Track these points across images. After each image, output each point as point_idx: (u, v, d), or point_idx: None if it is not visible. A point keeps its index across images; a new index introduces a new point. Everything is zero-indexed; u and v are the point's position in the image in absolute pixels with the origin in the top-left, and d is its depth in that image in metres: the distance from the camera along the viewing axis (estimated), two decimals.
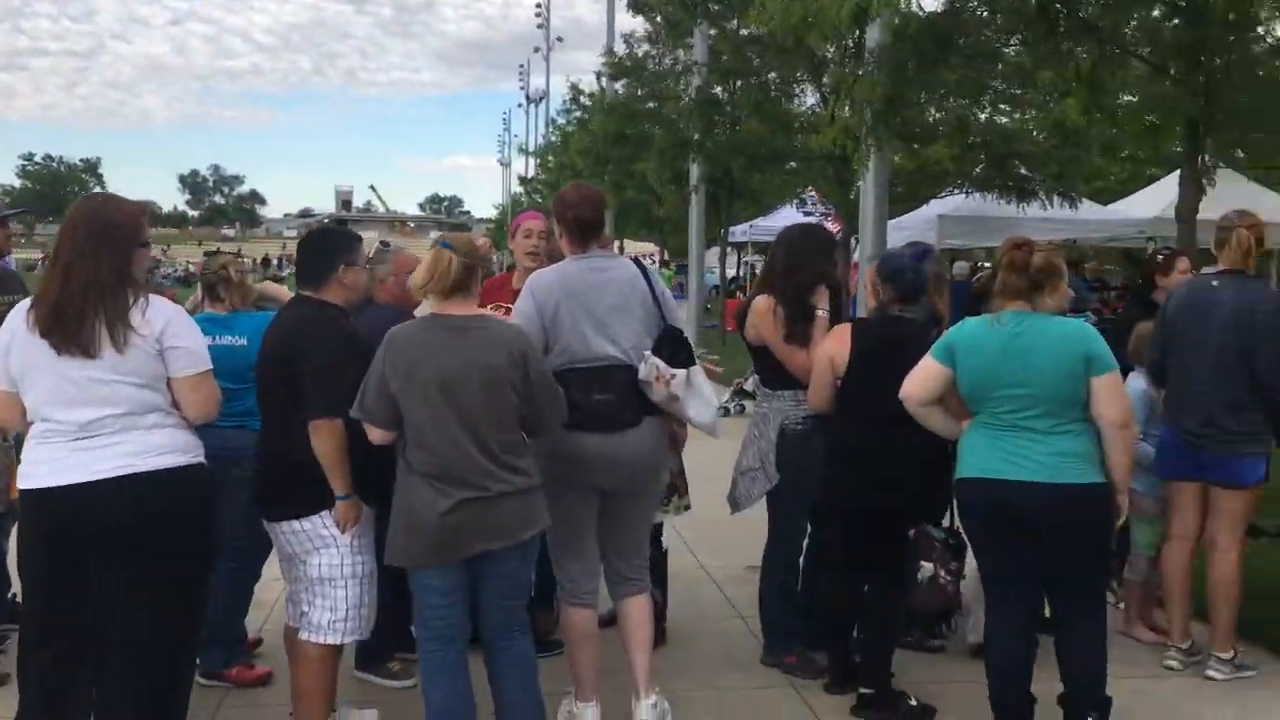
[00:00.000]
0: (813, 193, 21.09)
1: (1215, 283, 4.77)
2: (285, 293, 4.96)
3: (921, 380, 4.12)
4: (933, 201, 18.18)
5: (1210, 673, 4.84)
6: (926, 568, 4.16)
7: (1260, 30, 10.10)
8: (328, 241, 4.17)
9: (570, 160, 33.93)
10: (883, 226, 12.26)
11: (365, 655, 4.72)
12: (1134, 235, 17.29)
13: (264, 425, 4.01)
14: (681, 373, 4.15)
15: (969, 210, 16.99)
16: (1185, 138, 8.14)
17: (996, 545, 4.05)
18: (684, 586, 6.10)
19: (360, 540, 3.91)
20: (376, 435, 3.71)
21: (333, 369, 3.79)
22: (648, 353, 4.13)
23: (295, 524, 3.86)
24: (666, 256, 37.40)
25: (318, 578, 3.89)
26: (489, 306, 4.62)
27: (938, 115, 12.97)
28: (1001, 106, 15.59)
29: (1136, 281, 6.03)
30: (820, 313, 4.80)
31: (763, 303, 4.85)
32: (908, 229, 18.36)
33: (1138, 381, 5.31)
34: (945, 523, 4.53)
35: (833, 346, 4.47)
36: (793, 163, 19.08)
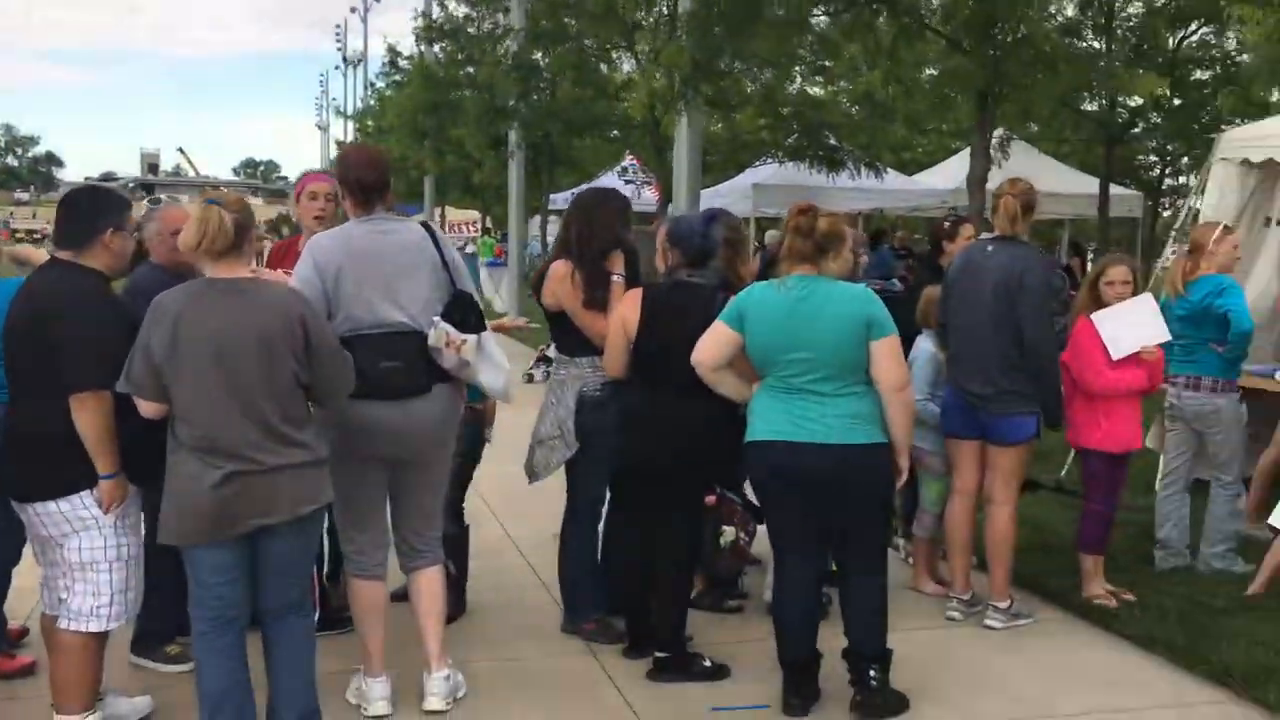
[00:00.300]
0: (634, 160, 21.16)
1: (989, 248, 4.96)
2: (40, 255, 4.62)
3: (712, 345, 4.14)
4: (748, 170, 18.49)
5: (989, 622, 5.07)
6: (728, 532, 4.20)
7: (1052, 9, 10.64)
8: (94, 203, 3.89)
9: (390, 124, 33.07)
10: (696, 193, 12.37)
11: (141, 639, 4.48)
12: (937, 205, 17.97)
13: (12, 399, 3.71)
14: (472, 338, 4.06)
15: (782, 179, 17.35)
16: (975, 109, 8.48)
17: (784, 506, 4.11)
18: (488, 556, 6.02)
19: (124, 521, 3.68)
20: (148, 409, 3.50)
21: (95, 337, 3.54)
22: (437, 318, 4.03)
23: (51, 505, 3.60)
24: (489, 224, 36.94)
25: (78, 562, 3.64)
26: (279, 271, 4.41)
27: (751, 85, 13.13)
28: (815, 78, 15.92)
29: (926, 248, 6.24)
30: (616, 278, 4.78)
31: (560, 268, 4.79)
32: (725, 197, 18.63)
33: (926, 344, 5.50)
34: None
35: (624, 311, 4.46)
36: (614, 131, 19.07)
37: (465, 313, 4.09)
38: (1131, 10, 15.76)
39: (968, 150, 19.93)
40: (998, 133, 16.42)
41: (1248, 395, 6.81)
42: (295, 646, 3.71)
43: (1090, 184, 17.98)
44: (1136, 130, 19.69)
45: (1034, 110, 9.84)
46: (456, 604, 5.06)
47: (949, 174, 19.34)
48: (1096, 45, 16.19)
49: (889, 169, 16.45)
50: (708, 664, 4.45)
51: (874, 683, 4.09)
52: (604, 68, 17.26)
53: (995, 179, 17.08)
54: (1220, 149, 7.36)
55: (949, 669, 4.64)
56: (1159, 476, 6.03)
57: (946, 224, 6.02)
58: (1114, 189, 17.81)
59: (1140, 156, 23.15)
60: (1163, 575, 5.64)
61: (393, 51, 32.37)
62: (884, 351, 3.98)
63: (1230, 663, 4.49)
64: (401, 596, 4.45)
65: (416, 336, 4.01)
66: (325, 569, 4.90)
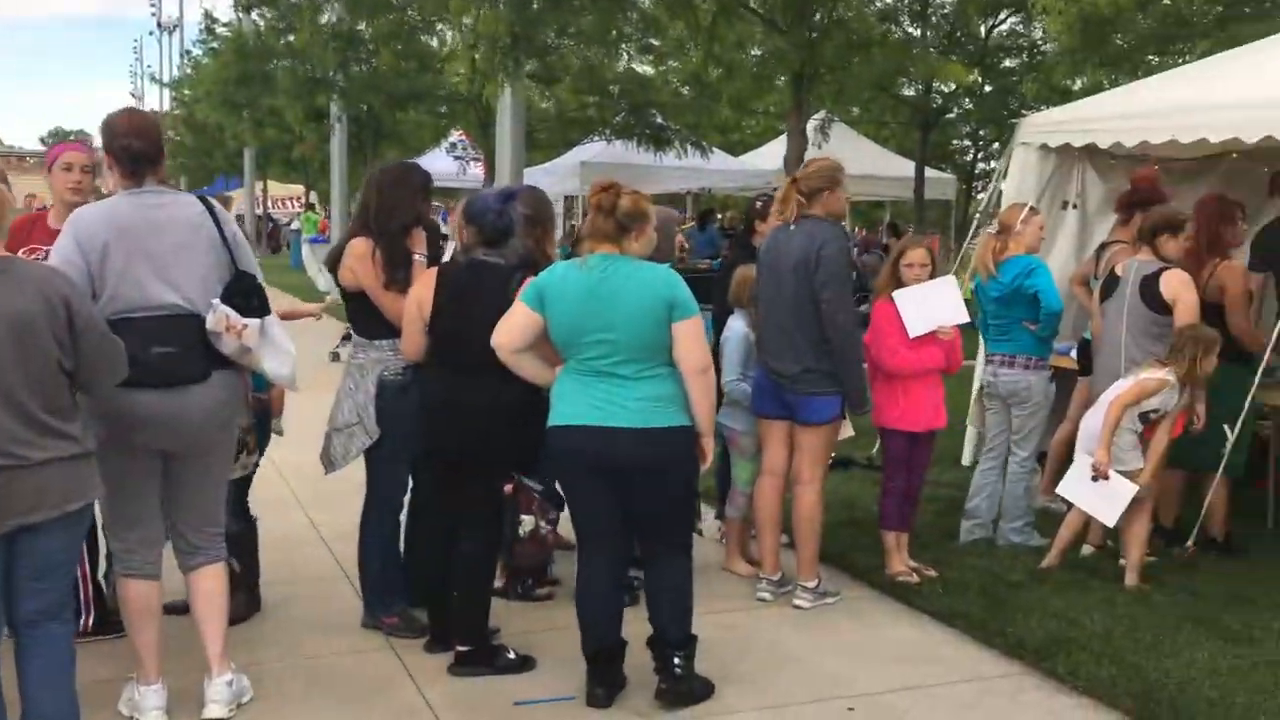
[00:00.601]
0: (463, 136, 20.75)
1: (792, 227, 4.96)
2: None
3: (511, 327, 3.99)
4: (577, 148, 18.37)
5: (797, 601, 5.09)
6: (527, 521, 4.05)
7: None
8: None
9: (207, 92, 31.57)
10: (520, 170, 12.17)
11: None
12: (762, 185, 18.20)
13: None
14: (255, 322, 3.80)
15: (611, 158, 17.28)
16: (791, 90, 8.55)
17: (586, 491, 4.00)
18: (288, 547, 5.75)
19: None
20: None
21: None
22: (216, 300, 3.75)
23: None
24: (314, 200, 35.75)
25: None
26: (21, 251, 4.03)
27: (575, 60, 12.99)
28: (645, 57, 15.87)
29: (728, 227, 6.23)
30: (418, 257, 4.57)
31: (359, 245, 4.55)
32: (553, 174, 18.50)
33: (738, 323, 5.48)
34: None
35: (419, 291, 4.26)
36: (440, 105, 18.62)
37: (247, 295, 3.83)
38: None
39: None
40: (819, 115, 16.84)
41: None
42: (54, 658, 3.40)
43: (908, 167, 18.55)
44: (951, 116, 20.38)
45: (849, 93, 10.00)
46: (248, 603, 4.79)
47: (774, 154, 19.62)
48: (913, 32, 16.70)
49: (715, 149, 16.57)
50: (512, 656, 4.32)
51: (679, 670, 4.03)
52: (428, 38, 16.78)
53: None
54: (1021, 134, 7.59)
55: (756, 650, 4.63)
56: (984, 450, 6.15)
57: (759, 203, 6.00)
58: (930, 172, 18.40)
59: (955, 141, 24.02)
60: (964, 550, 5.78)
61: (209, 18, 30.85)
62: (686, 333, 3.90)
63: (1024, 635, 4.62)
64: (183, 609, 4.16)
65: (193, 320, 3.72)
66: (102, 567, 4.55)
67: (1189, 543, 5.53)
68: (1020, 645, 4.57)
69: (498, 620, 4.59)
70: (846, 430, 5.15)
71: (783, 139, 20.80)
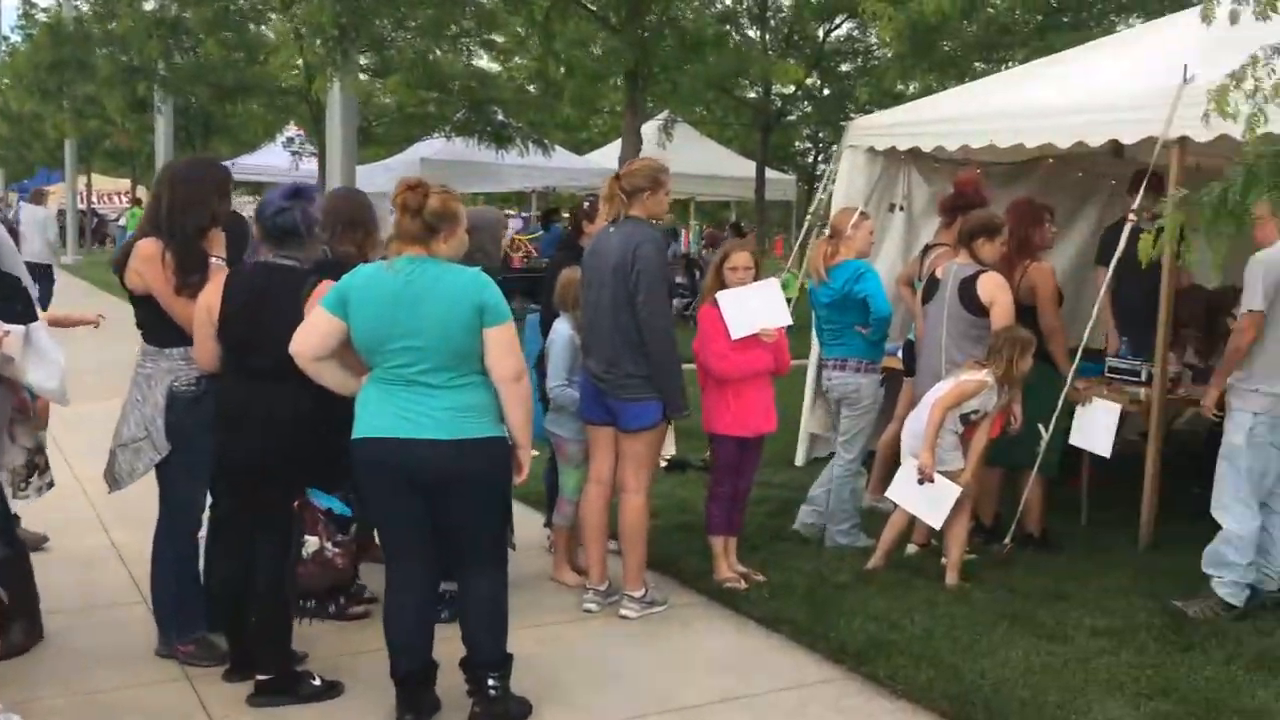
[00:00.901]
0: (301, 131, 20.04)
1: (612, 229, 4.84)
2: None
3: (310, 333, 3.74)
4: (417, 144, 17.95)
5: (623, 612, 4.97)
6: (310, 541, 3.80)
7: None
8: None
9: (19, 78, 29.74)
10: (351, 166, 11.75)
11: None
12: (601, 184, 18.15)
13: None
14: (18, 329, 3.48)
15: (452, 155, 16.96)
16: (626, 89, 8.46)
17: (392, 506, 3.78)
18: (83, 569, 5.35)
19: None
20: None
21: None
22: None
23: None
24: (141, 195, 34.10)
25: None
26: None
27: (410, 54, 12.63)
28: (484, 53, 15.59)
29: (567, 228, 6.10)
30: (215, 261, 4.27)
31: (149, 247, 4.21)
32: (393, 171, 18.00)
33: (564, 326, 5.33)
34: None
35: (209, 296, 3.97)
36: (269, 97, 17.91)
37: (10, 300, 3.49)
38: (785, 2, 16.47)
39: (640, 129, 20.47)
40: (662, 115, 16.85)
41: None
42: None
43: (750, 168, 18.74)
44: (793, 118, 20.71)
45: (684, 93, 9.97)
46: (27, 632, 4.42)
47: (609, 155, 19.65)
48: (752, 34, 16.88)
49: (558, 147, 16.41)
50: (318, 683, 4.07)
51: (493, 691, 3.85)
52: (257, 28, 16.11)
53: (662, 160, 17.54)
54: (848, 137, 7.68)
55: (579, 665, 4.49)
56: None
57: (586, 204, 5.87)
58: (771, 173, 18.64)
59: (798, 143, 24.45)
60: (793, 552, 5.77)
61: (28, 3, 29.07)
62: (497, 340, 3.72)
63: (846, 639, 4.60)
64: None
65: None
66: None
67: (1006, 540, 5.64)
68: (843, 649, 4.55)
69: (307, 642, 4.34)
70: (668, 447, 5.06)
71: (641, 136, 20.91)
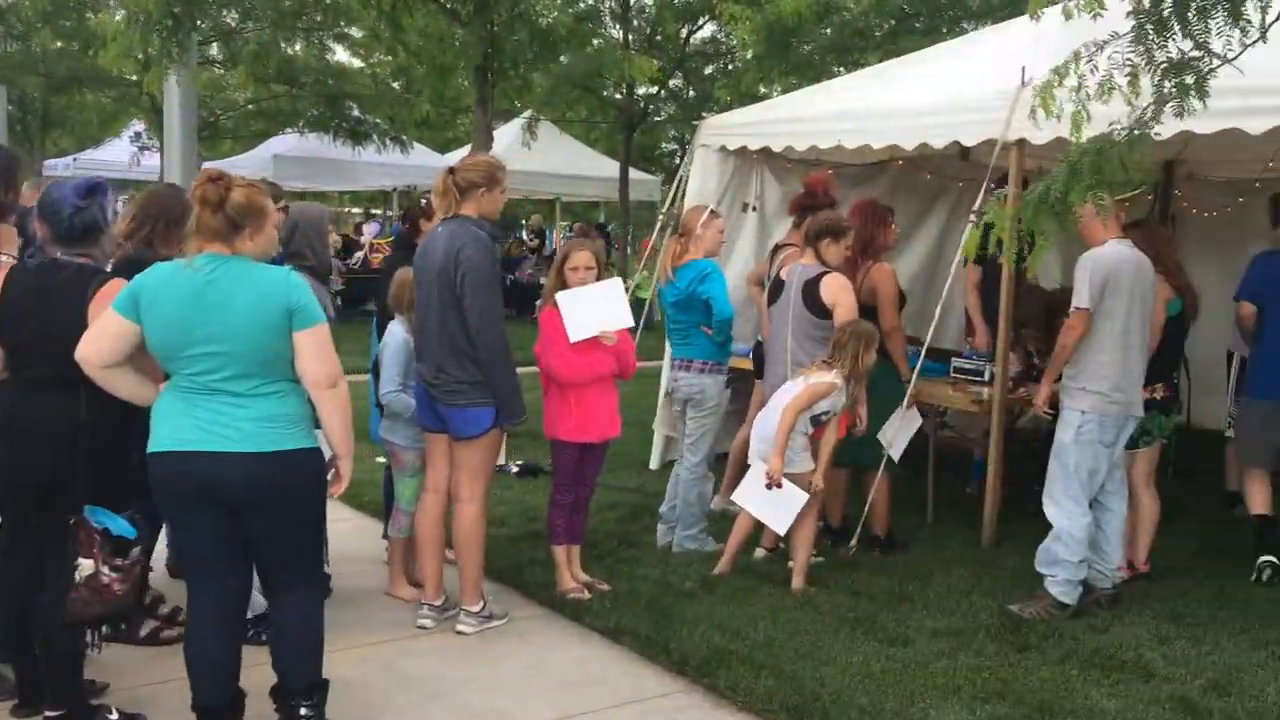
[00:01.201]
0: (146, 124, 19.18)
1: (440, 228, 4.63)
2: None
3: (99, 337, 3.43)
4: (270, 140, 17.35)
5: (460, 628, 4.76)
6: (84, 565, 3.46)
7: None
8: None
9: None
10: (191, 162, 11.20)
11: None
12: None
13: None
14: None
15: (305, 151, 16.44)
16: (475, 84, 8.22)
17: (194, 526, 3.49)
18: None
19: None
20: None
21: None
22: None
23: None
24: None
25: None
26: None
27: (254, 46, 12.13)
28: (335, 46, 15.12)
29: (405, 227, 5.85)
30: (5, 259, 3.92)
31: None
32: (244, 168, 17.36)
33: (399, 329, 5.09)
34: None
35: None
36: (109, 90, 17.07)
37: None
38: (647, 2, 16.42)
39: (502, 128, 20.15)
40: (526, 114, 16.61)
41: (730, 375, 7.09)
42: None
43: (616, 168, 18.62)
44: (661, 119, 20.67)
45: (536, 90, 9.77)
46: None
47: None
48: (615, 33, 16.79)
49: (417, 144, 16.02)
50: (114, 716, 3.74)
51: None
52: (91, 17, 15.30)
53: (527, 160, 17.32)
54: (700, 136, 7.60)
55: (409, 687, 4.25)
56: (678, 453, 6.02)
57: (423, 201, 5.63)
58: (636, 173, 18.56)
59: (665, 144, 24.45)
60: (639, 560, 5.63)
61: None
62: (309, 343, 3.47)
63: (688, 650, 4.47)
64: None
65: None
66: None
67: (852, 542, 5.60)
68: (685, 661, 4.43)
69: (109, 673, 4.02)
70: (501, 455, 4.86)
71: (498, 133, 20.54)
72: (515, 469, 7.48)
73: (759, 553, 5.66)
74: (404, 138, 14.90)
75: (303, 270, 4.89)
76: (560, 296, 4.94)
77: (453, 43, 8.29)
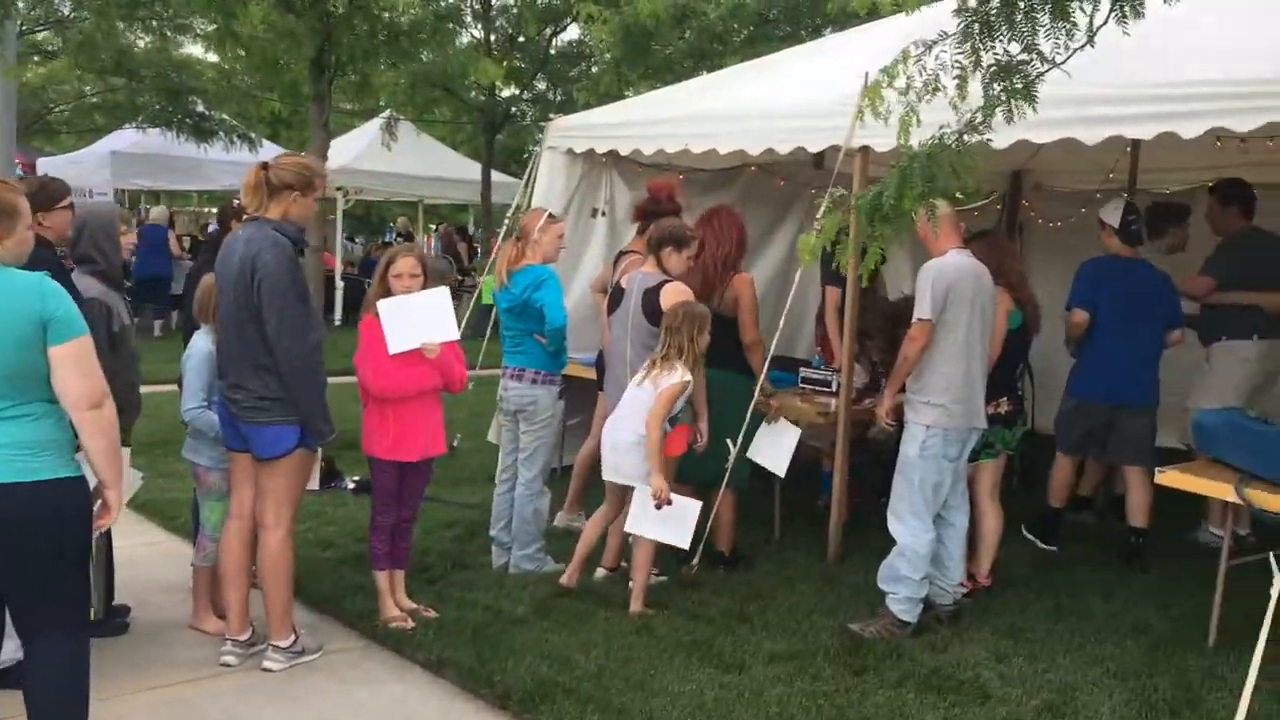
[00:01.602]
0: None
1: (240, 230, 4.27)
2: None
3: None
4: (109, 136, 16.46)
5: (267, 664, 4.38)
6: None
7: None
8: None
9: None
10: (9, 158, 10.45)
11: None
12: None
13: None
14: None
15: (147, 148, 15.64)
16: (310, 79, 7.82)
17: None
18: None
19: None
20: None
21: None
22: None
23: None
24: None
25: None
26: None
27: (79, 35, 11.41)
28: (178, 38, 14.34)
29: (216, 229, 5.44)
30: None
31: None
32: (80, 165, 16.45)
33: (203, 341, 4.69)
34: None
35: None
36: None
37: None
38: (509, 3, 16.07)
39: (363, 127, 19.52)
40: (385, 114, 16.05)
41: (576, 385, 6.84)
42: None
43: (478, 170, 18.20)
44: (526, 122, 20.30)
45: (375, 86, 9.38)
46: None
47: (337, 151, 18.66)
48: (477, 33, 16.39)
49: (267, 142, 15.34)
50: None
51: None
52: None
53: (388, 161, 16.73)
54: (548, 138, 7.34)
55: None
56: (499, 470, 5.75)
57: (236, 201, 5.22)
58: (500, 176, 18.17)
59: (532, 147, 24.05)
60: (472, 583, 5.33)
61: None
62: (65, 359, 3.10)
63: (512, 684, 4.19)
64: None
65: None
66: None
67: (694, 561, 5.40)
68: (507, 695, 4.14)
69: None
70: (311, 480, 4.50)
71: (357, 133, 19.91)
72: (351, 485, 7.10)
73: (599, 573, 5.43)
74: (253, 135, 14.23)
75: (94, 275, 4.50)
76: (381, 305, 4.61)
77: (286, 34, 7.85)
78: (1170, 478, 4.79)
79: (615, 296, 5.51)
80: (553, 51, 17.21)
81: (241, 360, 4.16)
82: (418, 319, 4.62)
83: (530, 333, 5.36)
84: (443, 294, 4.78)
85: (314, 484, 4.52)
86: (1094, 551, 6.16)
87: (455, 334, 4.73)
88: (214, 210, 29.55)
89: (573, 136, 7.18)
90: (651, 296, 5.20)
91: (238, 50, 8.95)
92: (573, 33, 17.61)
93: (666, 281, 5.23)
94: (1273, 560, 3.75)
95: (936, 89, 3.21)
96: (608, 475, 5.18)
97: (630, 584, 5.13)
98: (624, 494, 5.17)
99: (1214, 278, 6.19)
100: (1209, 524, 6.32)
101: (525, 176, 7.33)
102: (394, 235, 23.04)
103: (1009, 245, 6.01)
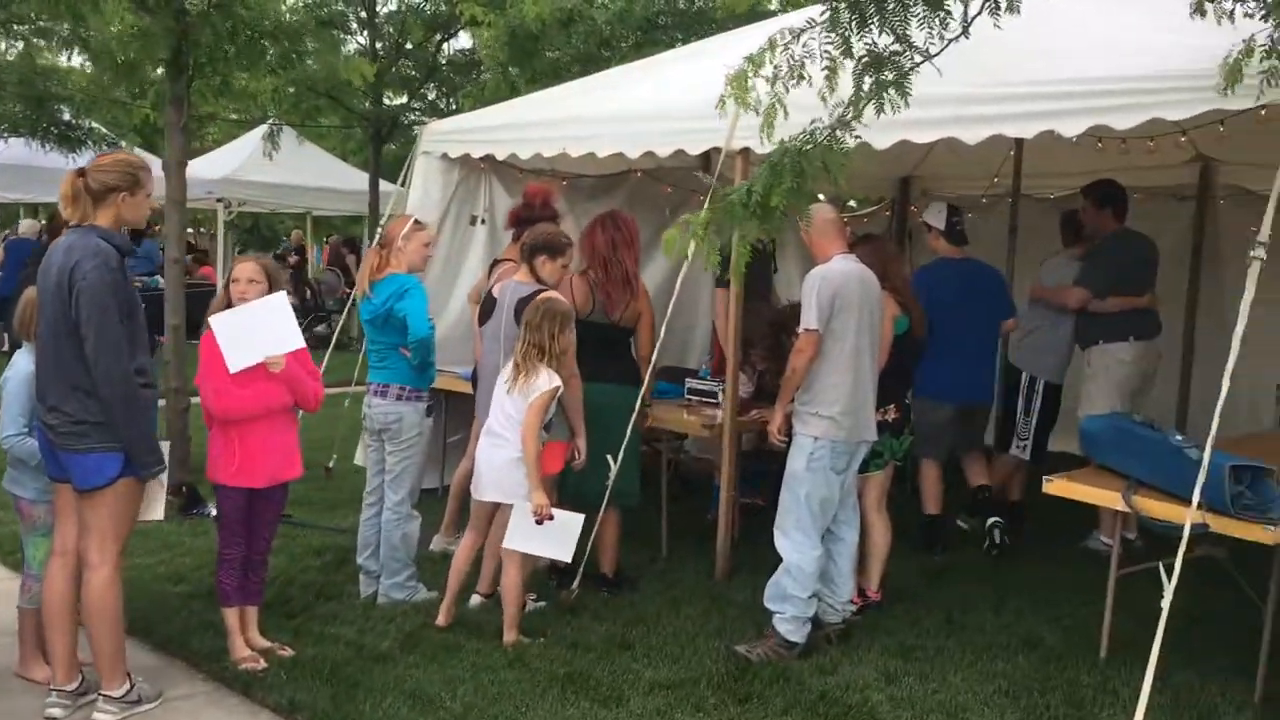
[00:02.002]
0: None
1: (62, 240, 3.86)
2: None
3: None
4: None
5: (98, 716, 3.97)
6: None
7: None
8: None
9: None
10: None
11: None
12: (203, 195, 16.57)
13: None
14: None
15: (11, 159, 14.78)
16: (168, 80, 7.37)
17: None
18: None
19: None
20: None
21: None
22: None
23: None
24: None
25: None
26: None
27: None
28: (38, 41, 13.62)
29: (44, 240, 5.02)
30: None
31: None
32: None
33: (24, 361, 4.26)
34: None
35: None
36: None
37: None
38: (393, 8, 15.66)
39: (244, 137, 18.88)
40: (270, 122, 15.50)
41: (456, 400, 6.52)
42: None
43: (367, 181, 17.72)
44: (415, 132, 19.83)
45: (235, 88, 8.93)
46: None
47: (220, 162, 18.08)
48: (362, 40, 15.93)
49: (141, 152, 14.66)
50: None
51: None
52: None
53: (271, 171, 16.20)
54: (422, 142, 7.04)
55: None
56: (365, 492, 5.40)
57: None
58: (388, 186, 17.71)
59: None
60: (335, 616, 4.97)
61: None
62: None
63: None
64: None
65: None
66: None
67: (574, 584, 5.12)
68: None
69: None
70: (154, 510, 4.10)
71: (240, 143, 19.23)
72: (214, 513, 6.64)
73: (474, 599, 5.11)
74: (123, 144, 13.54)
75: None
76: (213, 320, 4.23)
77: (140, 34, 7.37)
78: (1058, 486, 4.65)
79: (487, 307, 5.22)
80: (443, 60, 16.82)
81: (59, 381, 3.76)
82: (257, 331, 4.25)
83: (395, 346, 5.04)
84: (280, 300, 4.38)
85: (157, 513, 4.12)
86: (989, 560, 6.05)
87: (299, 343, 4.36)
88: None
89: (448, 140, 6.88)
90: (525, 307, 4.90)
91: (85, 55, 8.42)
92: (464, 41, 17.30)
93: (540, 291, 4.95)
94: (1162, 570, 3.62)
95: (802, 76, 3.00)
96: (482, 495, 4.88)
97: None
98: (491, 514, 4.88)
99: (1087, 287, 6.17)
100: (1099, 532, 6.25)
101: (399, 179, 6.99)
102: (289, 248, 22.34)
103: (893, 249, 5.87)
